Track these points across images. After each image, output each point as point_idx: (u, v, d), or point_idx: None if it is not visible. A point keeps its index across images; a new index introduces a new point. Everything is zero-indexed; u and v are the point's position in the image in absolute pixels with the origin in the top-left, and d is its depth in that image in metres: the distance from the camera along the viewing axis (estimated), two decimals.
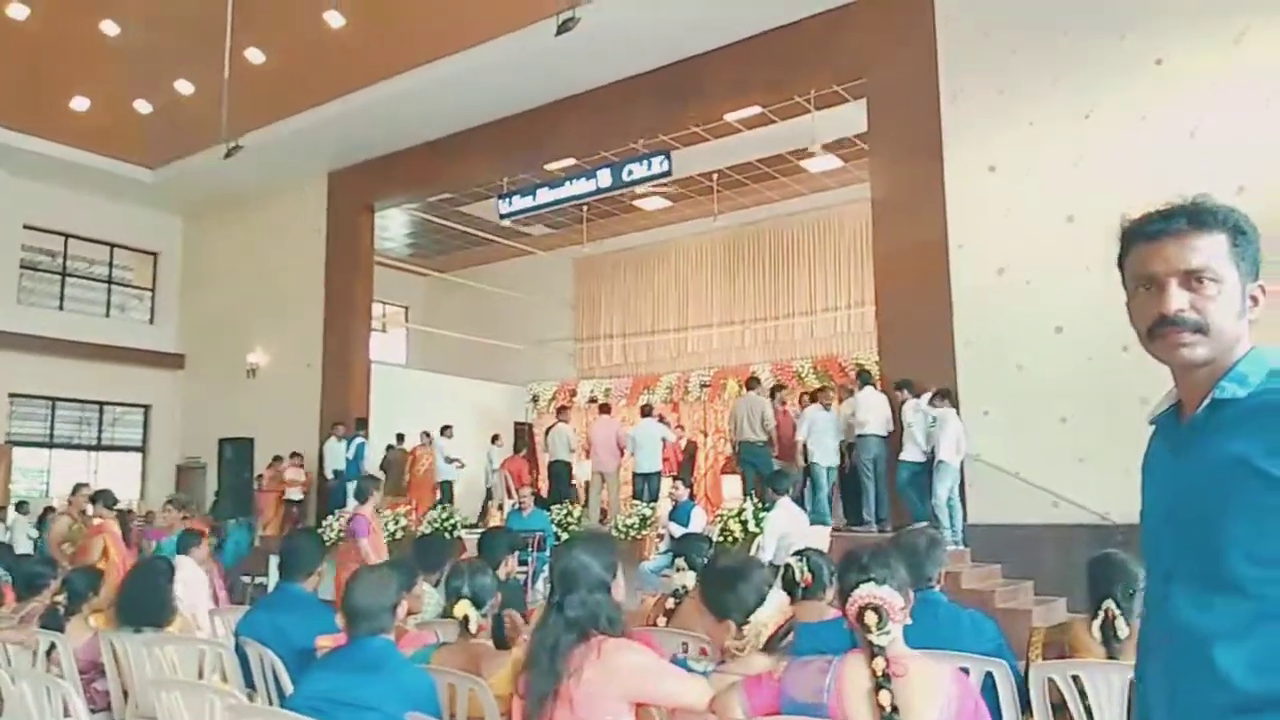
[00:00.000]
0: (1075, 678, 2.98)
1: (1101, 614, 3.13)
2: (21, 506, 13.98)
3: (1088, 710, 2.95)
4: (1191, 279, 1.37)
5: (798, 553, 3.60)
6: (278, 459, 14.29)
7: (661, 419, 13.18)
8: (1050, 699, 3.03)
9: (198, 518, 12.21)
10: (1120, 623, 3.09)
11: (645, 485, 11.52)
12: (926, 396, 9.13)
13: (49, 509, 14.12)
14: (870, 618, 2.21)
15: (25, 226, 16.24)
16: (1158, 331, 1.39)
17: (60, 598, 4.56)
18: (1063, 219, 9.07)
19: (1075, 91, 9.15)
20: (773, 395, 10.74)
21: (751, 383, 11.19)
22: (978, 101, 9.65)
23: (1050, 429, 8.82)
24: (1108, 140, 8.93)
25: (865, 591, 2.24)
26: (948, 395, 9.06)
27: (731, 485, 13.72)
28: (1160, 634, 1.39)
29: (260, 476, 14.46)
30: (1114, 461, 8.22)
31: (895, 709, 2.10)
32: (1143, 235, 1.44)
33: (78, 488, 7.90)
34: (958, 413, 8.99)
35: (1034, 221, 9.21)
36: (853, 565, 2.32)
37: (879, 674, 2.14)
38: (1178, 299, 1.37)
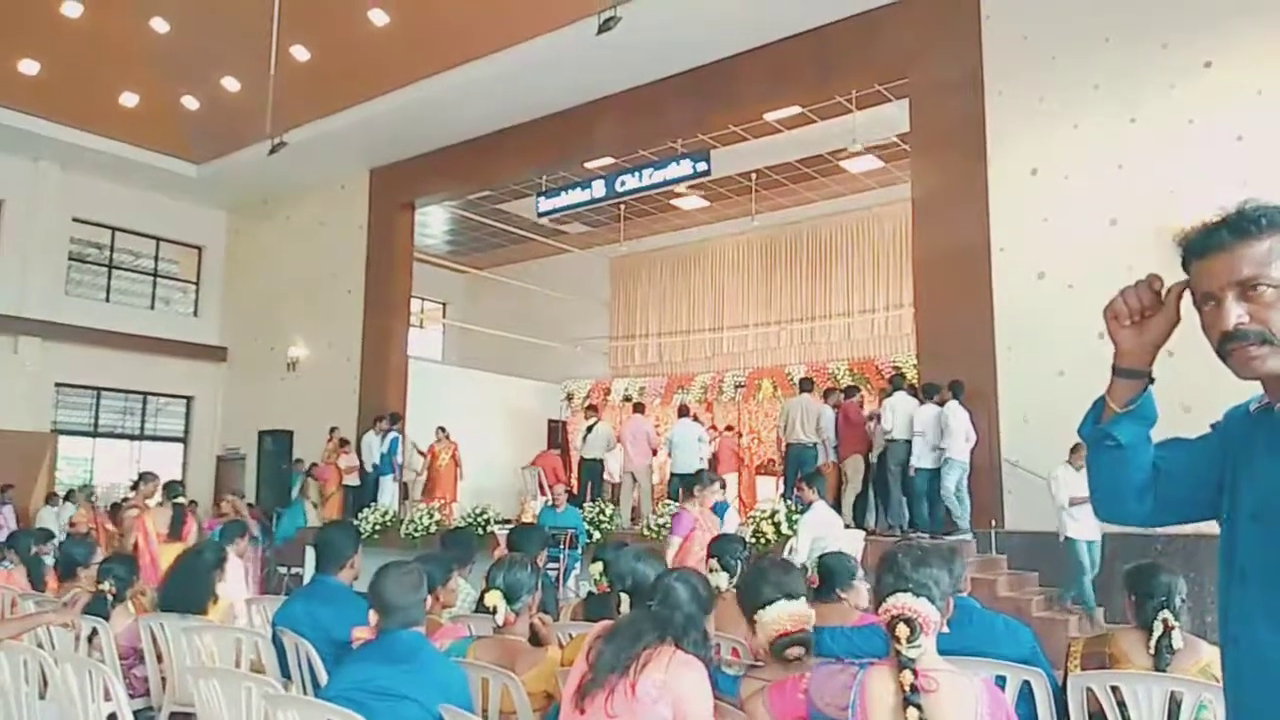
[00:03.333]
0: (1114, 688, 2.93)
1: (1160, 626, 3.07)
2: (71, 495, 14.29)
3: None
4: (1246, 289, 1.33)
5: (820, 556, 3.60)
6: (335, 430, 14.40)
7: (696, 419, 13.16)
8: (1089, 710, 2.98)
9: (255, 509, 12.45)
10: (1176, 635, 3.04)
11: (681, 486, 11.49)
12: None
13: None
14: (902, 630, 2.13)
15: (74, 219, 16.57)
16: (1224, 349, 1.35)
17: (106, 585, 4.64)
18: (1106, 223, 8.94)
19: (1121, 94, 9.01)
20: (849, 395, 10.55)
21: (805, 384, 11.11)
22: (1021, 103, 9.53)
23: None
24: (1153, 143, 8.79)
25: (899, 602, 2.17)
26: (954, 389, 9.02)
27: (766, 486, 13.69)
28: (1229, 635, 1.36)
29: (313, 464, 14.57)
30: None
31: None
32: (1193, 253, 1.40)
33: (144, 477, 8.01)
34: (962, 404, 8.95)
35: (1077, 225, 9.09)
36: (890, 570, 2.23)
37: (906, 688, 2.07)
38: (1234, 313, 1.33)
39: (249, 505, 12.68)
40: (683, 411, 12.57)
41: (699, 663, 2.44)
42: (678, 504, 9.51)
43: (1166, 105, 8.79)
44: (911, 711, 2.05)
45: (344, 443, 14.03)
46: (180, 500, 7.72)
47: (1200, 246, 1.38)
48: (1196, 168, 8.41)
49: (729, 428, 15.46)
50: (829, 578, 3.48)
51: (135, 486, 7.69)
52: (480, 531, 10.89)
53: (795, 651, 2.59)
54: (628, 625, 2.52)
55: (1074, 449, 7.90)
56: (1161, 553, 6.99)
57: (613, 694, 2.35)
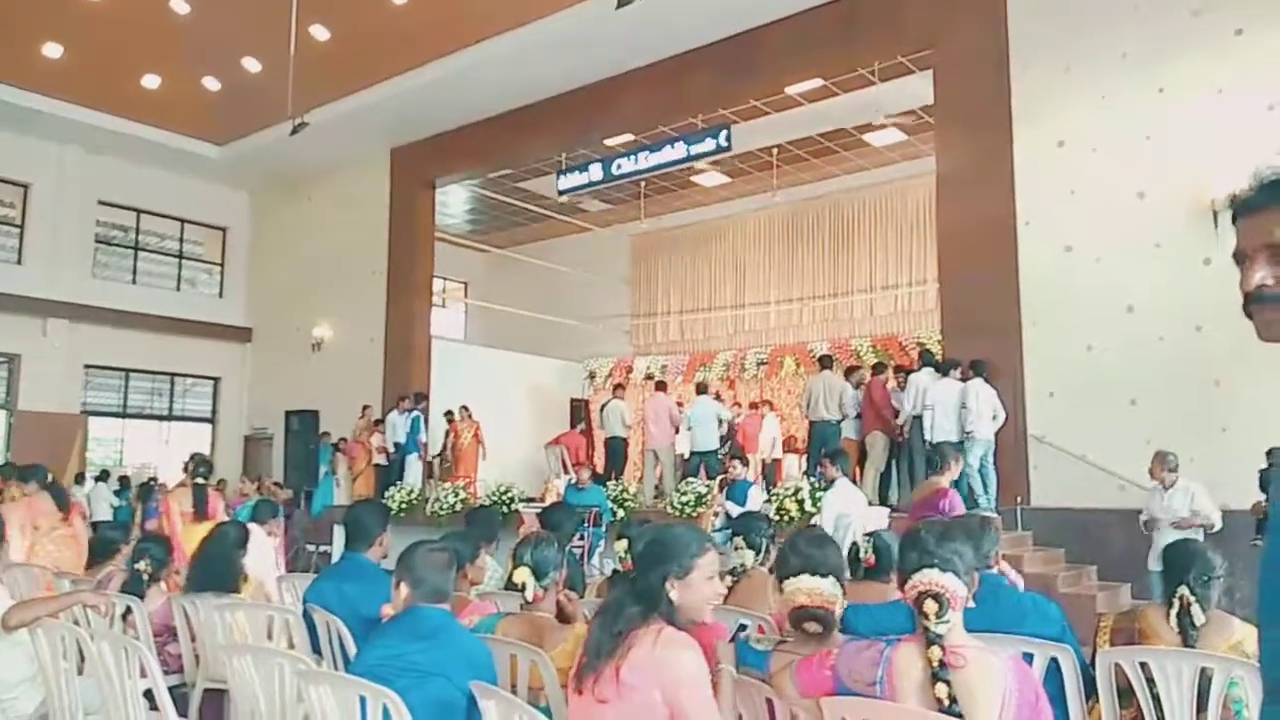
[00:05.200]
0: (1143, 664, 2.92)
1: (1177, 602, 3.07)
2: (104, 475, 14.50)
3: (1155, 698, 2.89)
4: (1277, 252, 1.30)
5: (869, 534, 3.57)
6: (368, 409, 14.54)
7: (719, 396, 13.17)
8: (1118, 686, 2.97)
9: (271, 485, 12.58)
10: (1196, 610, 3.03)
11: (702, 463, 11.53)
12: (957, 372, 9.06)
13: (124, 478, 14.64)
14: (930, 605, 2.13)
15: (99, 202, 16.72)
16: (1248, 309, 1.33)
17: (142, 564, 4.72)
18: (1134, 195, 8.83)
19: (1149, 65, 8.87)
20: (876, 371, 10.46)
21: (825, 361, 11.06)
22: (1047, 75, 9.40)
23: (1119, 411, 8.62)
24: (1182, 114, 8.66)
25: (926, 578, 2.17)
26: (976, 367, 8.97)
27: (791, 464, 13.67)
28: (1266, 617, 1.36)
29: (340, 438, 14.71)
30: (1185, 445, 8.03)
31: (954, 700, 2.04)
32: (1238, 210, 1.38)
33: (194, 458, 8.08)
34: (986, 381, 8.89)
35: (1104, 198, 8.98)
36: (914, 546, 2.23)
37: (935, 664, 2.08)
38: (1260, 273, 1.31)
39: (274, 484, 12.78)
40: (701, 389, 12.59)
41: (688, 639, 2.35)
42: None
43: (1196, 75, 8.64)
44: (940, 687, 2.05)
45: (378, 423, 14.14)
46: (201, 480, 7.73)
47: (1243, 204, 1.36)
48: (1226, 138, 8.27)
49: (753, 405, 15.44)
50: (883, 557, 3.47)
51: (186, 467, 7.79)
52: (504, 510, 10.97)
53: (812, 627, 2.57)
54: (611, 603, 2.46)
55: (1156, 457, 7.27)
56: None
57: (599, 680, 2.30)
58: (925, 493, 6.36)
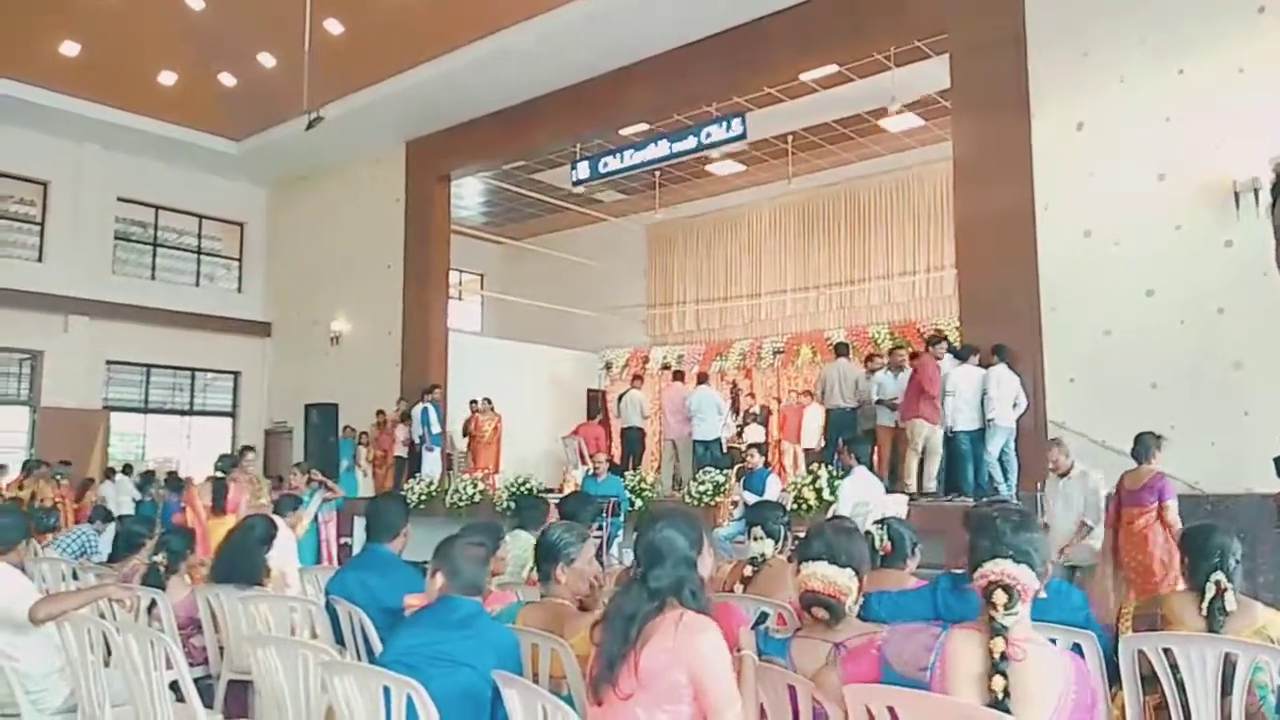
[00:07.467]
0: (1167, 650, 2.91)
1: (1212, 587, 3.03)
2: (127, 469, 14.64)
3: (1179, 684, 2.87)
4: None
5: (879, 521, 3.57)
6: (401, 403, 14.62)
7: (735, 386, 13.18)
8: (1141, 672, 2.96)
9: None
10: (1229, 597, 3.00)
11: (707, 452, 11.54)
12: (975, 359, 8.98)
13: (149, 473, 14.78)
14: (999, 596, 2.07)
15: (118, 199, 16.83)
16: None
17: (159, 557, 4.77)
18: (1154, 178, 8.73)
19: (1168, 45, 8.75)
20: (931, 346, 10.00)
21: (841, 348, 11.00)
22: (1065, 57, 9.29)
23: (1140, 396, 8.54)
24: (1203, 95, 8.53)
25: (999, 568, 2.10)
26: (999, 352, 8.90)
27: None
28: None
29: (362, 432, 14.77)
30: (1206, 429, 7.97)
31: (1007, 694, 1.98)
32: None
33: (244, 451, 8.10)
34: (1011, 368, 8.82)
35: (1124, 181, 8.88)
36: (987, 534, 2.16)
37: (996, 655, 2.02)
38: None
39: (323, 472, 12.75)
40: (702, 379, 12.63)
41: (709, 621, 2.38)
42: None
43: (1216, 55, 8.51)
44: (998, 680, 2.00)
45: (405, 416, 14.20)
46: (219, 474, 7.76)
47: None
48: (1247, 119, 8.17)
49: (797, 395, 15.36)
50: (899, 544, 3.47)
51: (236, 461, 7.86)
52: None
53: (819, 612, 2.57)
54: (619, 608, 2.45)
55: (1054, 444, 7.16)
56: (1212, 513, 6.88)
57: (617, 683, 2.32)
58: (1143, 479, 6.24)
